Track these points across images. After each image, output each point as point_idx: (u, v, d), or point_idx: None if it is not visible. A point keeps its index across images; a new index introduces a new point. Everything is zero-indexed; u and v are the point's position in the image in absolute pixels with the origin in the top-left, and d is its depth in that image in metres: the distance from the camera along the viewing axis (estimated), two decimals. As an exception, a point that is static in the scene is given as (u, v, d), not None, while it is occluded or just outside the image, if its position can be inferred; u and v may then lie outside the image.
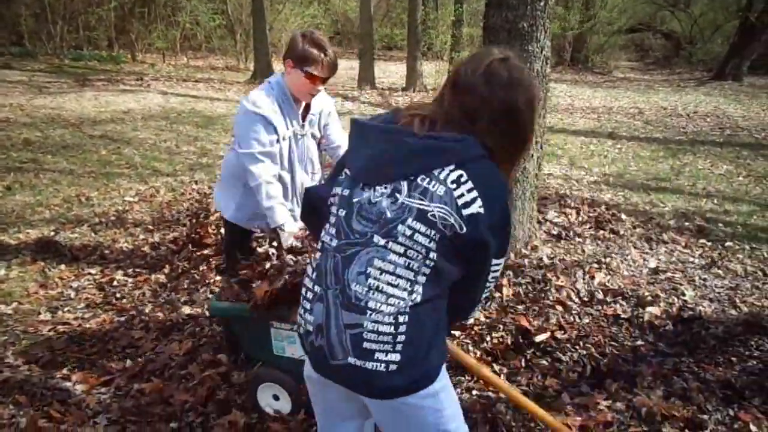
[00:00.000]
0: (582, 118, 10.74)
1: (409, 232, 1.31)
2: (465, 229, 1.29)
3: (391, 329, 1.33)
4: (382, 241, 1.32)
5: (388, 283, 1.33)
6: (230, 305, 2.32)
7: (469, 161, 1.31)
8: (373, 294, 1.33)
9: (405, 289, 1.33)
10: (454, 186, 1.29)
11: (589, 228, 4.55)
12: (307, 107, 2.67)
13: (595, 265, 3.72)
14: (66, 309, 3.53)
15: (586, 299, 3.36)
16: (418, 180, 1.31)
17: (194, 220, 4.74)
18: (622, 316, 3.22)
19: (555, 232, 4.36)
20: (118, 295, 3.69)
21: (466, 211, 1.28)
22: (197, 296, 3.54)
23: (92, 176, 6.28)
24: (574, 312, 3.21)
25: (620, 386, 2.63)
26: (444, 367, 1.47)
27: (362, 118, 1.44)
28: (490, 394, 2.58)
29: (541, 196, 5.37)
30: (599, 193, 5.88)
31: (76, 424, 2.46)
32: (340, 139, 2.87)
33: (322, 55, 2.42)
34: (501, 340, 2.91)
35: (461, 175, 1.29)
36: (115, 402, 2.63)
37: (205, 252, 4.05)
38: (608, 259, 3.83)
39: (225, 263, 3.05)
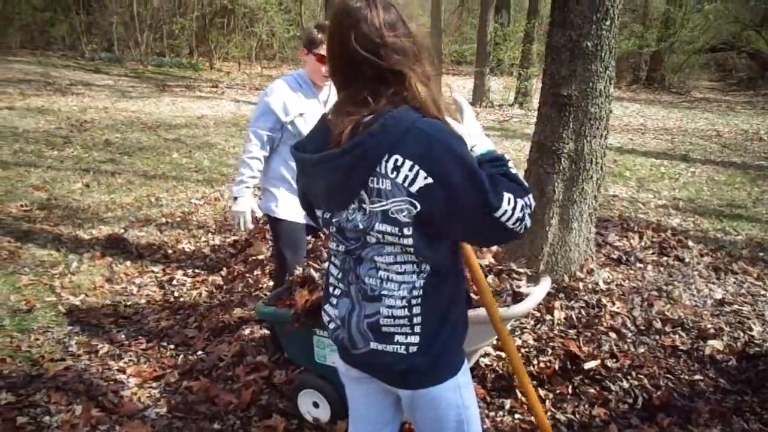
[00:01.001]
0: (654, 139, 10.35)
1: (380, 236, 1.33)
2: (420, 206, 1.26)
3: (406, 312, 1.37)
4: (373, 240, 1.35)
5: (396, 272, 1.37)
6: (275, 310, 2.37)
7: (395, 138, 1.26)
8: (386, 284, 1.38)
9: (413, 272, 1.36)
10: (395, 174, 1.26)
11: (652, 254, 4.36)
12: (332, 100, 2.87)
13: (655, 293, 3.56)
14: (128, 304, 3.70)
15: (642, 328, 3.23)
16: (370, 183, 1.30)
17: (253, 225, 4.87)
18: (681, 347, 3.07)
19: (615, 256, 4.21)
20: (176, 294, 3.84)
21: (413, 188, 1.25)
22: (250, 299, 3.63)
23: (163, 178, 6.58)
24: (628, 340, 3.09)
25: (673, 422, 2.51)
26: (466, 364, 1.51)
27: (299, 154, 1.41)
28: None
29: (603, 218, 5.21)
30: (667, 218, 5.64)
31: (127, 416, 2.58)
32: None
33: (322, 38, 2.69)
34: (548, 364, 2.83)
35: (396, 160, 1.26)
36: (164, 397, 2.73)
37: (260, 257, 4.15)
38: (670, 287, 3.67)
39: (276, 264, 3.14)
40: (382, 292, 1.38)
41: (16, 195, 5.64)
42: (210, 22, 19.02)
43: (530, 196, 1.36)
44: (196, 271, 4.20)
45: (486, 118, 11.93)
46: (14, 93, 11.51)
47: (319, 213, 1.44)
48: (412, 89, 1.30)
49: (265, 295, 3.57)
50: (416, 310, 1.37)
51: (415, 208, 1.26)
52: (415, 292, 1.37)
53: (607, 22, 3.20)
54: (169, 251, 4.56)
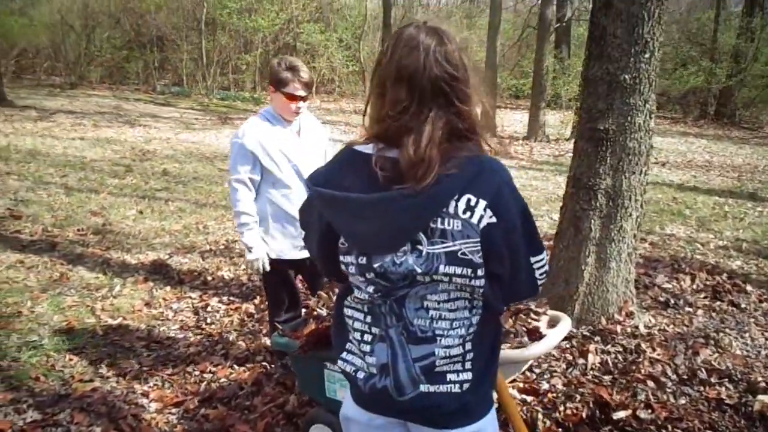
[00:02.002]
0: (720, 176, 9.86)
1: (446, 278, 1.29)
2: (481, 244, 1.26)
3: (460, 350, 1.34)
4: (427, 279, 1.30)
5: (449, 310, 1.33)
6: (288, 341, 2.35)
7: (468, 178, 1.24)
8: (438, 323, 1.33)
9: (465, 308, 1.34)
10: (468, 214, 1.24)
11: (704, 297, 4.10)
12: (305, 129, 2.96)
13: (702, 340, 3.33)
14: (162, 328, 3.77)
15: (684, 377, 3.01)
16: (432, 224, 1.25)
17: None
18: (727, 401, 2.83)
19: (662, 299, 3.98)
20: (209, 320, 3.89)
21: (482, 225, 1.25)
22: (298, 323, 3.63)
23: (213, 206, 6.76)
24: (667, 390, 2.88)
25: (711, 484, 2.30)
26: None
27: (330, 193, 1.30)
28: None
29: (653, 258, 4.97)
30: (726, 260, 5.30)
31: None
32: None
33: (296, 77, 2.70)
34: (575, 411, 2.67)
35: (469, 200, 1.24)
36: (181, 424, 2.74)
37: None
38: (720, 335, 3.42)
39: (267, 301, 3.22)
40: (435, 332, 1.33)
41: (75, 220, 5.93)
42: (273, 58, 19.73)
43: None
44: (232, 298, 4.25)
45: (541, 153, 11.74)
46: (88, 124, 12.24)
47: (350, 258, 1.35)
48: (478, 123, 1.30)
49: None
50: (469, 346, 1.35)
51: (479, 244, 1.26)
52: (471, 329, 1.35)
53: (646, 55, 3.09)
54: (209, 278, 4.65)
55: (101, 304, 4.05)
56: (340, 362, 1.47)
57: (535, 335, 2.09)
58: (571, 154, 3.53)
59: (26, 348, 3.38)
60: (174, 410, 2.86)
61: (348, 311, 1.45)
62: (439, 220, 1.25)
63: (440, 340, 1.34)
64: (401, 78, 1.26)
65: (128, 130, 11.89)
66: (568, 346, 3.25)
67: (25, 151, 9.06)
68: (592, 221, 3.27)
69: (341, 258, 1.37)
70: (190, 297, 4.29)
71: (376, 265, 1.32)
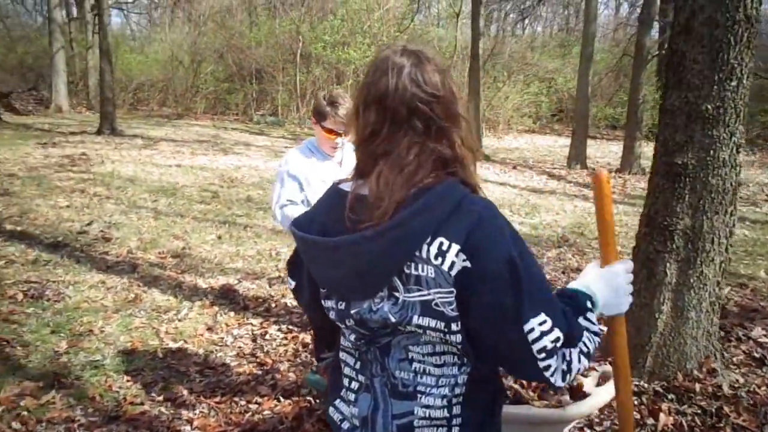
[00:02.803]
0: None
1: (420, 330, 1.15)
2: (455, 291, 1.10)
3: (445, 413, 1.19)
4: (407, 328, 1.16)
5: (435, 364, 1.19)
6: (318, 379, 2.27)
7: (440, 219, 1.09)
8: (422, 378, 1.20)
9: (454, 364, 1.19)
10: (440, 260, 1.09)
11: (809, 356, 3.60)
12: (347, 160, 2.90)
13: (801, 407, 2.89)
14: (219, 354, 3.80)
15: (776, 450, 2.62)
16: (406, 269, 1.12)
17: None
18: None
19: (756, 355, 3.54)
20: (265, 349, 3.88)
21: (454, 271, 1.09)
22: (329, 362, 3.55)
23: (289, 233, 6.86)
24: (753, 464, 2.51)
25: None
26: None
27: (304, 236, 1.22)
28: None
29: (751, 308, 4.46)
30: (842, 313, 4.67)
31: (177, 470, 2.58)
32: None
33: (335, 111, 2.67)
34: (638, 480, 2.38)
35: (441, 243, 1.09)
36: (217, 455, 2.70)
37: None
38: (825, 402, 2.96)
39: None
40: (417, 388, 1.20)
41: (158, 243, 6.21)
42: (319, 91, 20.17)
43: (579, 355, 1.14)
44: (291, 327, 4.23)
45: (635, 186, 11.11)
46: (186, 152, 12.97)
47: (330, 303, 1.26)
48: (459, 151, 1.17)
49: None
50: (456, 410, 1.19)
51: (452, 294, 1.10)
52: (457, 390, 1.19)
53: (732, 83, 2.79)
54: (273, 305, 4.67)
55: (166, 326, 4.16)
56: (330, 409, 1.36)
57: (578, 394, 1.86)
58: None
59: (90, 367, 3.51)
60: (214, 440, 2.84)
61: (342, 355, 1.35)
62: (413, 265, 1.11)
63: (421, 397, 1.20)
64: (371, 100, 1.16)
65: (221, 157, 12.48)
66: (636, 402, 2.93)
67: (126, 177, 9.70)
68: (668, 264, 2.96)
69: (323, 303, 1.28)
70: (252, 323, 4.32)
71: (353, 312, 1.21)
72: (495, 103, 19.74)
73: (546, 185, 11.24)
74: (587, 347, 1.17)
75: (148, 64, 23.47)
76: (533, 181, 11.72)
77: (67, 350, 3.68)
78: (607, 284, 1.28)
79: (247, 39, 21.48)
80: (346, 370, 1.32)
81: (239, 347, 3.93)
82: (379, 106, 1.15)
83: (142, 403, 3.14)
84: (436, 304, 1.12)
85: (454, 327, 1.13)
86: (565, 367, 1.13)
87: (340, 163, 2.91)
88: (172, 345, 3.90)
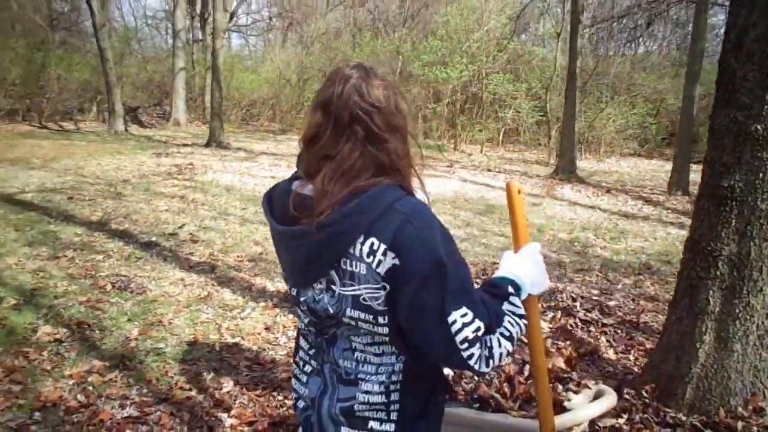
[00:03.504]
0: None
1: (353, 322, 1.27)
2: (388, 287, 1.21)
3: (383, 398, 1.31)
4: (344, 320, 1.28)
5: (374, 353, 1.31)
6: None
7: (370, 220, 1.20)
8: (362, 366, 1.32)
9: (392, 353, 1.30)
10: (371, 258, 1.20)
11: None
12: None
13: None
14: (269, 352, 4.03)
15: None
16: (343, 265, 1.23)
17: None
18: None
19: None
20: (312, 351, 4.05)
21: (381, 270, 1.20)
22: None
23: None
24: None
25: None
26: None
27: (272, 223, 1.35)
28: None
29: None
30: None
31: (206, 451, 2.79)
32: None
33: None
34: None
35: (373, 243, 1.20)
36: (245, 443, 2.89)
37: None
38: None
39: None
40: (359, 375, 1.32)
41: (239, 247, 6.64)
42: (460, 108, 20.23)
43: (500, 339, 1.24)
44: (342, 333, 4.39)
45: (685, 209, 10.49)
46: (283, 165, 13.65)
47: (288, 286, 1.42)
48: (397, 160, 1.28)
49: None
50: (394, 396, 1.31)
51: (386, 290, 1.22)
52: (394, 377, 1.31)
53: (785, 102, 2.63)
54: (330, 312, 4.85)
55: (228, 323, 4.46)
56: (293, 385, 1.49)
57: (557, 408, 1.85)
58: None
59: (153, 353, 3.85)
60: (246, 429, 3.03)
61: (300, 340, 1.47)
62: (348, 261, 1.23)
63: (361, 384, 1.31)
64: (317, 105, 1.28)
65: (314, 171, 13.02)
66: (671, 435, 2.79)
67: (223, 186, 10.40)
68: (711, 292, 2.81)
69: (288, 285, 1.42)
70: (307, 327, 4.52)
71: (302, 299, 1.34)
72: (597, 124, 19.07)
73: (640, 210, 10.72)
74: (509, 331, 1.26)
75: (259, 82, 24.95)
76: (627, 205, 11.21)
77: (137, 337, 4.05)
78: (529, 264, 1.38)
79: (349, 59, 22.27)
80: (301, 354, 1.45)
81: (290, 347, 4.14)
82: (324, 110, 1.28)
83: (190, 389, 3.41)
84: (364, 299, 1.23)
85: (381, 320, 1.24)
86: (487, 353, 1.22)
87: None
88: (230, 340, 4.18)
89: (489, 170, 14.82)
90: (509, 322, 1.27)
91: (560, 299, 4.29)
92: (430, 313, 1.19)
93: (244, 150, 15.88)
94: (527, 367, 2.03)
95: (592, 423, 2.89)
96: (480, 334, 1.21)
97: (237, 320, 4.54)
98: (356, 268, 1.22)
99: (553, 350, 2.28)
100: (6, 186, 8.87)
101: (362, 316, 1.24)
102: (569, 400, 1.93)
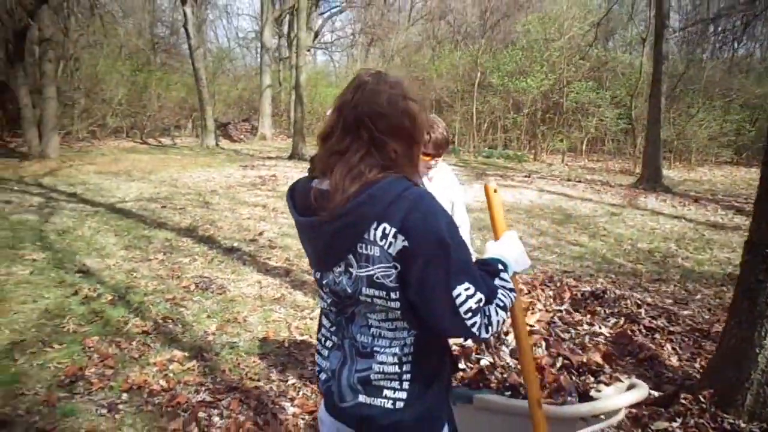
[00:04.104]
0: None
1: (369, 299, 1.42)
2: (400, 267, 1.35)
3: (396, 369, 1.45)
4: (362, 298, 1.43)
5: (388, 329, 1.45)
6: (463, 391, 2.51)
7: (381, 208, 1.34)
8: (378, 341, 1.46)
9: (404, 329, 1.44)
10: (383, 242, 1.35)
11: None
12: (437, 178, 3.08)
13: None
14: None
15: None
16: (359, 249, 1.38)
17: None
18: None
19: None
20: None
21: (393, 251, 1.34)
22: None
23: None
24: None
25: None
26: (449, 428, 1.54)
27: (295, 216, 1.50)
28: None
29: None
30: None
31: (268, 435, 3.02)
32: (460, 219, 3.11)
33: (428, 136, 2.77)
34: None
35: (385, 228, 1.34)
36: (303, 429, 3.09)
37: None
38: None
39: None
40: (374, 349, 1.47)
41: (313, 253, 6.94)
42: (541, 117, 19.93)
43: (496, 309, 1.41)
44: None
45: None
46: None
47: (313, 272, 1.58)
48: (402, 157, 1.43)
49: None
50: (406, 367, 1.45)
51: (397, 270, 1.37)
52: (406, 350, 1.45)
53: None
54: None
55: (298, 322, 4.72)
56: (316, 360, 1.65)
57: (585, 398, 1.91)
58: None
59: (228, 347, 4.16)
60: (306, 416, 3.24)
61: (322, 318, 1.64)
62: (364, 246, 1.38)
63: (377, 356, 1.45)
64: (335, 106, 1.45)
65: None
66: (728, 442, 2.72)
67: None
68: (771, 296, 2.73)
69: (312, 271, 1.59)
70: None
71: (324, 282, 1.50)
72: (688, 130, 18.19)
73: (731, 220, 10.16)
74: (503, 302, 1.43)
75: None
76: (716, 215, 10.65)
77: (214, 332, 4.39)
78: (510, 246, 1.59)
79: (428, 71, 22.51)
80: (323, 331, 1.62)
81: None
82: (339, 112, 1.45)
83: (258, 380, 3.67)
84: (378, 278, 1.38)
85: (393, 296, 1.39)
86: (486, 321, 1.38)
87: (431, 178, 3.16)
88: (298, 338, 4.43)
89: (568, 180, 14.51)
90: (502, 294, 1.43)
91: (624, 306, 4.22)
92: (437, 288, 1.34)
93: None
94: (560, 359, 2.09)
95: (645, 426, 2.88)
96: (481, 304, 1.37)
97: (306, 320, 4.80)
98: (371, 251, 1.37)
99: (591, 345, 2.31)
100: (109, 196, 9.73)
101: (376, 293, 1.39)
102: (599, 390, 1.97)
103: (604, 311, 4.17)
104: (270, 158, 16.96)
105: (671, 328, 4.07)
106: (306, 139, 17.71)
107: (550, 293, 4.85)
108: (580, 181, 14.36)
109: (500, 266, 1.49)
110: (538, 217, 9.84)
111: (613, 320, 4.01)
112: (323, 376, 1.60)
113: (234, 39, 36.33)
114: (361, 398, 1.47)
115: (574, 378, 2.04)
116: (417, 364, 1.45)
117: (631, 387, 2.03)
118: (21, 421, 3.06)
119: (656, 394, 3.11)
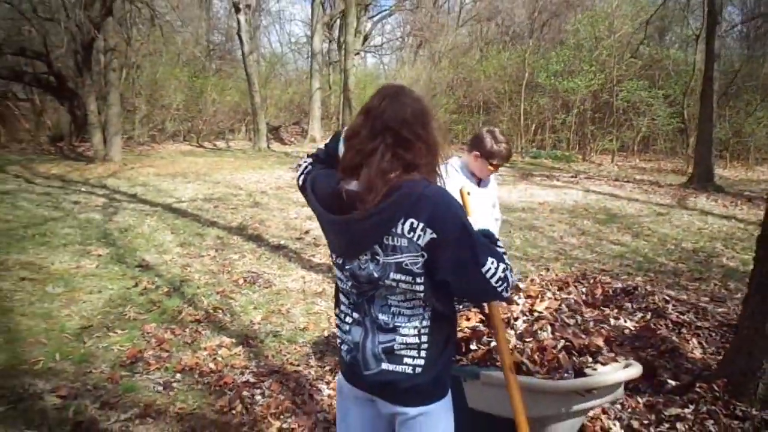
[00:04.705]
0: None
1: (395, 283, 1.65)
2: (427, 256, 1.60)
3: (416, 339, 1.70)
4: (386, 282, 1.66)
5: (407, 308, 1.69)
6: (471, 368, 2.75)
7: (408, 206, 1.57)
8: (398, 318, 1.70)
9: (420, 306, 1.69)
10: (411, 234, 1.58)
11: None
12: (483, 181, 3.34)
13: None
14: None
15: None
16: (386, 241, 1.61)
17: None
18: None
19: None
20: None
21: (422, 243, 1.58)
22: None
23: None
24: None
25: None
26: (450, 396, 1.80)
27: (319, 209, 1.72)
28: None
29: None
30: None
31: (305, 413, 3.30)
32: (498, 215, 3.50)
33: (502, 150, 3.05)
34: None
35: (412, 222, 1.57)
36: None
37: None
38: None
39: None
40: (395, 325, 1.71)
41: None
42: (590, 118, 19.68)
43: (510, 270, 1.68)
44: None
45: None
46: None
47: (334, 258, 1.81)
48: (423, 158, 1.67)
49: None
50: (424, 338, 1.71)
51: (424, 258, 1.62)
52: (424, 323, 1.70)
53: None
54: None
55: (337, 314, 5.00)
56: (337, 334, 1.90)
57: (581, 375, 2.10)
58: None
59: (271, 335, 4.49)
60: (339, 398, 3.51)
61: (341, 297, 1.88)
62: (391, 238, 1.61)
63: (399, 330, 1.69)
64: (363, 110, 1.70)
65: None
66: (739, 426, 2.83)
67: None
68: (781, 289, 2.83)
69: (331, 257, 1.83)
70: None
71: (347, 267, 1.74)
72: (747, 129, 17.62)
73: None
74: (508, 264, 1.70)
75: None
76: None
77: (259, 322, 4.73)
78: (480, 216, 1.88)
79: (476, 72, 22.55)
80: (343, 308, 1.86)
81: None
82: (366, 115, 1.69)
83: (298, 365, 3.97)
84: (406, 264, 1.62)
85: (418, 280, 1.64)
86: (508, 284, 1.66)
87: (479, 183, 3.31)
88: (336, 330, 4.70)
89: (616, 180, 14.33)
90: (506, 258, 1.71)
91: (651, 302, 4.31)
92: (470, 268, 1.61)
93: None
94: (562, 341, 2.27)
95: (658, 412, 3.02)
96: (506, 272, 1.65)
97: (345, 312, 5.07)
98: (398, 242, 1.60)
99: (594, 330, 2.47)
100: (166, 196, 10.32)
101: (403, 278, 1.63)
102: (594, 369, 2.15)
103: (632, 306, 4.28)
104: (319, 160, 17.41)
105: (699, 324, 4.14)
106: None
107: (583, 290, 4.99)
108: (628, 181, 14.17)
109: (491, 234, 1.77)
110: (581, 216, 9.84)
111: (639, 315, 4.11)
112: (344, 347, 1.83)
113: (287, 44, 37.14)
114: (384, 366, 1.70)
115: (574, 358, 2.22)
116: (432, 335, 1.70)
117: (627, 367, 2.20)
118: (90, 395, 3.45)
119: (673, 383, 3.23)
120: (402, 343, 1.69)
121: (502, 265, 1.64)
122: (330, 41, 29.52)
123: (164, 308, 4.89)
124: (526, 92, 20.42)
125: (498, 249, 1.71)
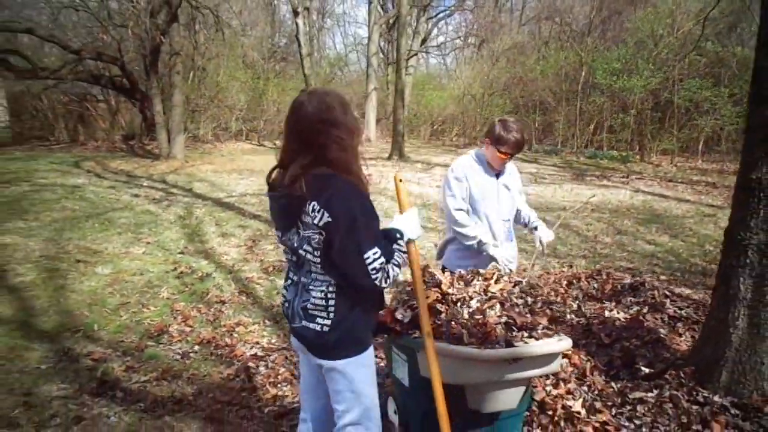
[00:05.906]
0: None
1: (304, 253, 2.02)
2: (324, 234, 1.93)
3: (323, 302, 2.04)
4: (300, 253, 2.04)
5: (320, 274, 2.04)
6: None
7: (314, 190, 1.90)
8: (313, 282, 2.06)
9: (327, 275, 2.03)
10: (314, 214, 1.92)
11: None
12: (504, 173, 3.42)
13: None
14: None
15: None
16: (302, 218, 1.97)
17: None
18: None
19: None
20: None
21: (320, 223, 1.91)
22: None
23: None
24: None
25: None
26: (372, 355, 2.12)
27: (268, 193, 2.11)
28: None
29: None
30: None
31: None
32: (520, 204, 3.57)
33: (510, 138, 3.15)
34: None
35: (314, 205, 1.91)
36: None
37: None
38: None
39: None
40: (311, 287, 2.07)
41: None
42: (649, 117, 19.15)
43: (393, 266, 2.00)
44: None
45: None
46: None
47: (276, 231, 2.18)
48: (330, 154, 1.99)
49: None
50: (331, 301, 2.04)
51: (322, 236, 1.96)
52: (330, 288, 2.04)
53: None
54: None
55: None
56: (281, 290, 2.24)
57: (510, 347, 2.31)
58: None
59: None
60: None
61: (288, 263, 2.22)
62: (305, 215, 1.96)
63: (312, 292, 2.04)
64: (289, 112, 2.03)
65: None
66: (698, 411, 2.94)
67: (390, 192, 11.50)
68: (742, 279, 2.91)
69: (275, 231, 2.18)
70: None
71: (283, 238, 2.09)
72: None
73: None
74: (397, 261, 2.01)
75: (444, 99, 26.14)
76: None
77: (278, 305, 5.11)
78: (407, 219, 2.14)
79: (533, 72, 22.36)
80: (286, 272, 2.21)
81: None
82: (291, 116, 2.02)
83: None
84: (309, 238, 1.98)
85: (316, 254, 1.99)
86: (385, 275, 1.95)
87: (498, 174, 3.40)
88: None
89: (670, 181, 13.97)
90: (398, 255, 2.02)
91: (651, 296, 4.39)
92: (353, 253, 1.91)
93: (422, 162, 17.02)
94: (504, 318, 2.49)
95: (624, 396, 3.16)
96: (384, 264, 1.94)
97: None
98: (307, 220, 1.96)
99: (539, 311, 2.64)
100: (218, 191, 10.97)
101: (309, 249, 2.00)
102: (525, 342, 2.35)
103: (630, 300, 4.38)
104: (370, 158, 17.81)
105: (698, 318, 4.20)
106: (409, 140, 18.36)
107: (595, 285, 5.10)
108: (682, 182, 13.79)
109: (398, 235, 2.07)
110: (623, 216, 9.75)
111: (636, 308, 4.22)
112: (284, 303, 2.19)
113: (350, 45, 37.91)
114: (304, 322, 2.07)
115: (513, 333, 2.43)
116: (338, 300, 2.02)
117: (559, 342, 2.40)
118: (118, 359, 3.92)
119: (647, 370, 3.36)
120: (314, 304, 2.03)
121: (382, 258, 1.94)
122: (389, 42, 29.92)
123: (195, 290, 5.36)
124: (583, 92, 20.09)
125: (395, 247, 2.04)
